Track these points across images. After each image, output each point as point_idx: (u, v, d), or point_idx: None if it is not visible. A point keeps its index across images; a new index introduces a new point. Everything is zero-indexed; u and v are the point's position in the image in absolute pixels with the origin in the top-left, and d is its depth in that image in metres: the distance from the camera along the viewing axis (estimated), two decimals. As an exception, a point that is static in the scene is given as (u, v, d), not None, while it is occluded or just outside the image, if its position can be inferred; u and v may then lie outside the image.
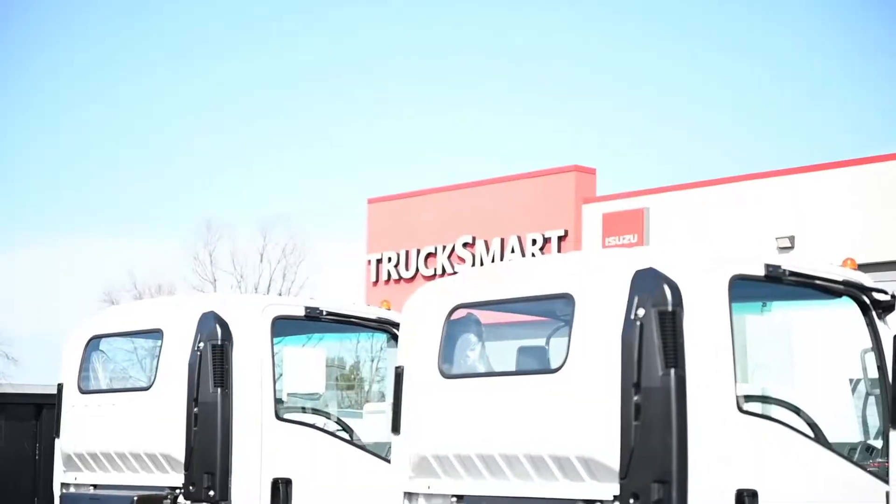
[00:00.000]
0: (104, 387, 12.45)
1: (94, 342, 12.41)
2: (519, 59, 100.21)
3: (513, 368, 9.75)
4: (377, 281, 38.00)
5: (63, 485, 12.26)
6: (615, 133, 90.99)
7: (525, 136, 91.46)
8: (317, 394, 12.08)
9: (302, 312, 11.45)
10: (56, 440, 12.52)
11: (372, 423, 12.61)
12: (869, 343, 9.00)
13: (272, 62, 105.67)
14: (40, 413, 16.40)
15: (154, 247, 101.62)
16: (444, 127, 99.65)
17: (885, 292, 8.62)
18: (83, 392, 12.16)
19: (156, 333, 11.56)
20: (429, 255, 36.66)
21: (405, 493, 9.71)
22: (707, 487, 8.17)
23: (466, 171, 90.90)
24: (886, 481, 7.95)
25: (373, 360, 14.28)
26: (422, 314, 9.86)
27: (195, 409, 10.45)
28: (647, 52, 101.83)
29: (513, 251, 34.54)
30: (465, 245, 35.40)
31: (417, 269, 37.42)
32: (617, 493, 8.34)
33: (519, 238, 34.16)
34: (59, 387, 12.42)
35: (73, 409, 12.28)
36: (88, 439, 12.05)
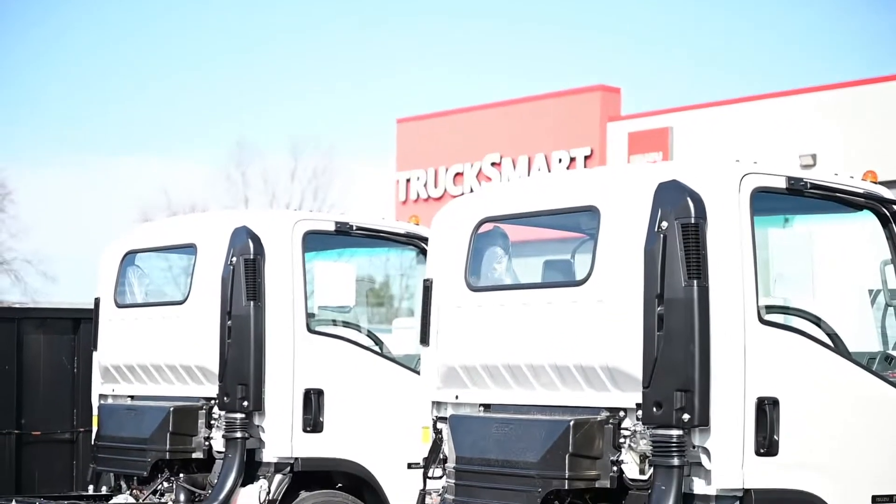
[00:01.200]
0: (140, 301, 12.50)
1: (129, 257, 12.48)
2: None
3: (539, 281, 9.80)
4: (406, 200, 38.05)
5: (101, 396, 12.33)
6: (640, 53, 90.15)
7: (551, 56, 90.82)
8: (347, 307, 12.02)
9: (332, 227, 11.41)
10: (94, 353, 12.64)
11: (401, 338, 12.65)
12: (888, 255, 9.04)
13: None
14: (78, 327, 16.51)
15: (188, 168, 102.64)
16: (472, 47, 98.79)
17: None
18: (119, 306, 12.25)
19: (189, 248, 11.58)
20: (457, 174, 36.68)
21: (434, 403, 9.79)
22: (728, 396, 8.24)
23: (494, 91, 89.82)
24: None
25: (402, 277, 14.22)
26: (450, 228, 9.84)
27: (228, 323, 10.44)
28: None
29: (539, 170, 34.40)
30: (492, 164, 35.40)
31: (445, 188, 37.41)
32: (640, 401, 8.42)
33: (545, 157, 34.10)
34: (96, 301, 12.54)
35: (111, 323, 12.37)
36: (125, 352, 12.15)
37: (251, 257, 10.29)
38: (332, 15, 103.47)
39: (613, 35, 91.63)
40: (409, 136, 40.93)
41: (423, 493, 9.83)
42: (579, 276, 9.12)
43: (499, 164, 34.21)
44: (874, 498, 8.65)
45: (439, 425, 9.82)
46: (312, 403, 10.54)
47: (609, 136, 34.35)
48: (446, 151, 37.53)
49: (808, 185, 8.85)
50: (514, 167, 35.15)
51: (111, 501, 11.22)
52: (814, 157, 18.89)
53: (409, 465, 10.46)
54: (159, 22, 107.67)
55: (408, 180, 38.89)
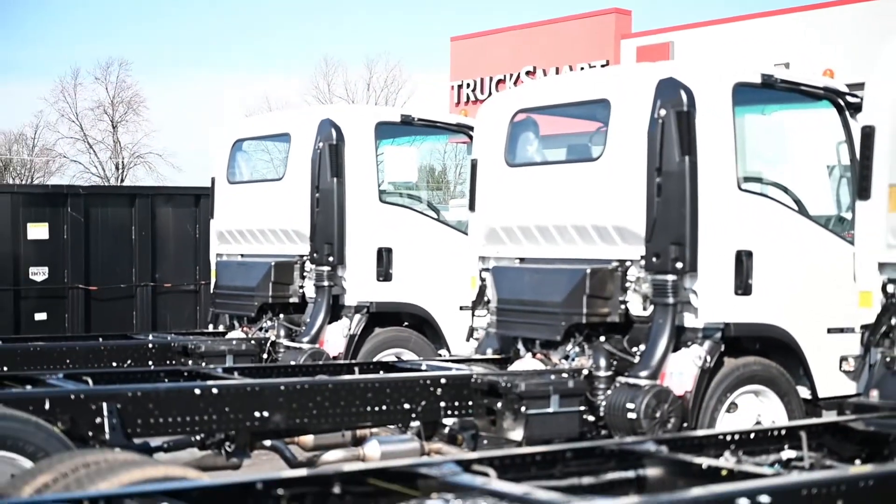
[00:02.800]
0: (246, 178, 12.44)
1: (237, 144, 12.40)
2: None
3: (563, 158, 9.89)
4: (458, 103, 37.93)
5: (217, 255, 12.41)
6: None
7: None
8: (411, 184, 12.14)
9: (398, 119, 11.38)
10: (211, 221, 12.68)
11: (455, 213, 12.59)
12: (843, 136, 9.10)
13: None
14: (199, 202, 16.71)
15: (283, 81, 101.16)
16: None
17: (856, 96, 8.51)
18: (230, 183, 12.26)
19: (285, 136, 11.53)
20: (499, 81, 36.44)
21: (479, 257, 9.90)
22: (712, 249, 8.40)
23: (530, 13, 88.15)
24: (853, 244, 7.75)
25: (457, 167, 14.31)
26: (491, 117, 9.86)
27: (316, 195, 10.55)
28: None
29: (564, 76, 34.82)
30: (527, 73, 35.18)
31: (490, 93, 37.48)
32: (643, 253, 8.55)
33: (570, 67, 33.97)
34: (212, 180, 12.56)
35: (223, 196, 12.39)
36: (234, 219, 12.18)
37: (333, 143, 10.26)
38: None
39: None
40: (460, 51, 40.74)
41: (471, 329, 10.00)
42: (595, 155, 9.09)
43: (532, 73, 33.83)
44: (829, 329, 8.70)
45: (483, 275, 9.82)
46: (384, 259, 10.56)
47: (622, 50, 34.21)
48: (490, 64, 37.39)
49: (778, 80, 8.92)
50: (545, 75, 35.10)
51: (227, 336, 11.30)
52: (787, 64, 18.73)
53: (460, 308, 10.40)
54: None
55: (459, 86, 38.70)
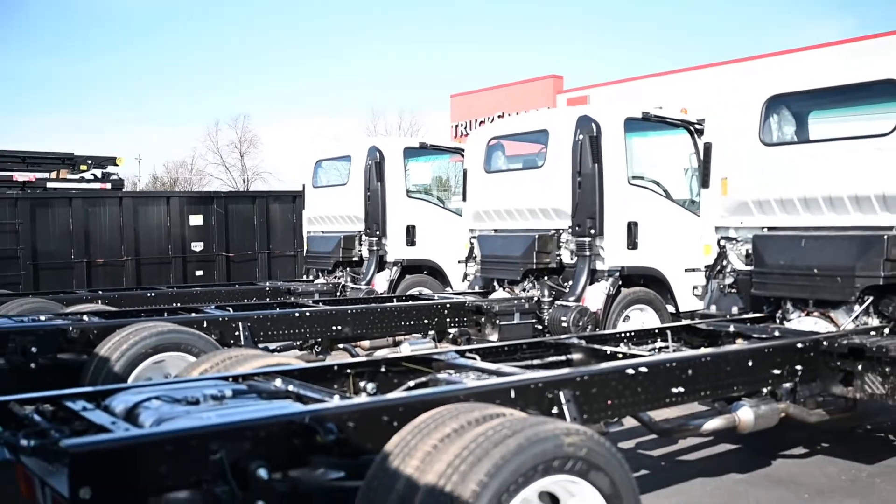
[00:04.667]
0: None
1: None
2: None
3: (520, 167, 9.68)
4: (456, 137, 37.91)
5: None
6: (577, 48, 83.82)
7: (522, 55, 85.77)
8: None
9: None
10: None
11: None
12: (693, 150, 9.02)
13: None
14: (295, 199, 16.53)
15: (342, 121, 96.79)
16: (467, 46, 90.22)
17: (701, 123, 8.35)
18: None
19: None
20: (481, 122, 36.16)
21: (469, 229, 9.69)
22: (613, 221, 8.36)
23: (502, 77, 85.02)
24: (699, 216, 7.65)
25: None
26: (475, 143, 9.74)
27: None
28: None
29: (523, 118, 34.92)
30: (499, 116, 35.10)
31: (475, 129, 37.67)
32: (570, 224, 8.52)
33: (525, 111, 33.95)
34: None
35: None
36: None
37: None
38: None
39: (564, 39, 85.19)
40: (457, 103, 40.62)
41: (465, 274, 9.86)
42: (540, 164, 9.00)
43: (502, 116, 33.76)
44: (685, 269, 8.59)
45: (472, 240, 9.61)
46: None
47: (558, 101, 34.11)
48: (475, 111, 37.19)
49: (652, 116, 8.86)
50: (509, 116, 35.15)
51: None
52: (660, 107, 18.70)
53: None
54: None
55: (456, 126, 38.52)
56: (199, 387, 3.44)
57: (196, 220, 16.48)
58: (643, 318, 8.60)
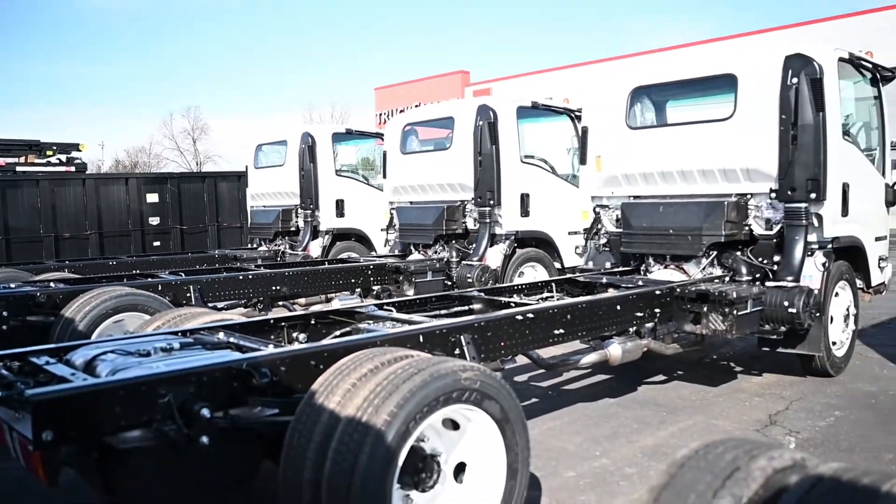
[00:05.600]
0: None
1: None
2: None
3: (431, 149, 9.72)
4: (379, 124, 37.50)
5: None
6: (483, 45, 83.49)
7: (437, 52, 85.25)
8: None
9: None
10: (247, 189, 11.33)
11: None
12: (574, 133, 9.12)
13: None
14: (240, 178, 15.96)
15: (284, 115, 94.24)
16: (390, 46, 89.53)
17: (580, 111, 8.13)
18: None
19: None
20: (401, 111, 36.23)
21: (389, 202, 9.56)
22: (509, 193, 8.40)
23: (418, 72, 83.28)
24: (578, 187, 7.32)
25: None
26: (393, 129, 9.65)
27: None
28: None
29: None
30: (415, 106, 35.08)
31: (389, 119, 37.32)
32: (472, 196, 8.47)
33: (437, 102, 33.92)
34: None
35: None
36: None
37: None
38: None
39: (472, 36, 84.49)
40: (381, 95, 40.29)
41: (386, 240, 9.70)
42: (447, 146, 8.93)
43: (418, 106, 33.74)
44: (569, 232, 8.67)
45: (392, 211, 9.49)
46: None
47: (466, 93, 34.03)
48: (396, 101, 36.91)
49: (541, 105, 8.93)
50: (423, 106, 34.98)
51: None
52: (550, 98, 18.91)
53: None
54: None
55: (380, 114, 38.13)
56: (150, 341, 3.36)
57: (152, 197, 15.95)
58: (535, 273, 8.72)
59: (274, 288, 7.08)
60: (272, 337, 3.94)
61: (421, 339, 3.55)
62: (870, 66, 6.21)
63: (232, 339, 3.54)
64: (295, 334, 4.05)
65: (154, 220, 15.91)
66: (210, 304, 6.48)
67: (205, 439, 2.61)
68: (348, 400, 2.67)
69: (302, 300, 7.65)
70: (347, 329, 4.11)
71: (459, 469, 2.99)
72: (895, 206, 6.61)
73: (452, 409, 2.81)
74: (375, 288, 8.04)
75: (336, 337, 4.00)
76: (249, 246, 12.08)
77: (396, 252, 9.40)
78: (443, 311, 4.87)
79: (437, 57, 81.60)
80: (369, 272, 7.91)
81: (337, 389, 2.73)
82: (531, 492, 3.80)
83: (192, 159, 59.75)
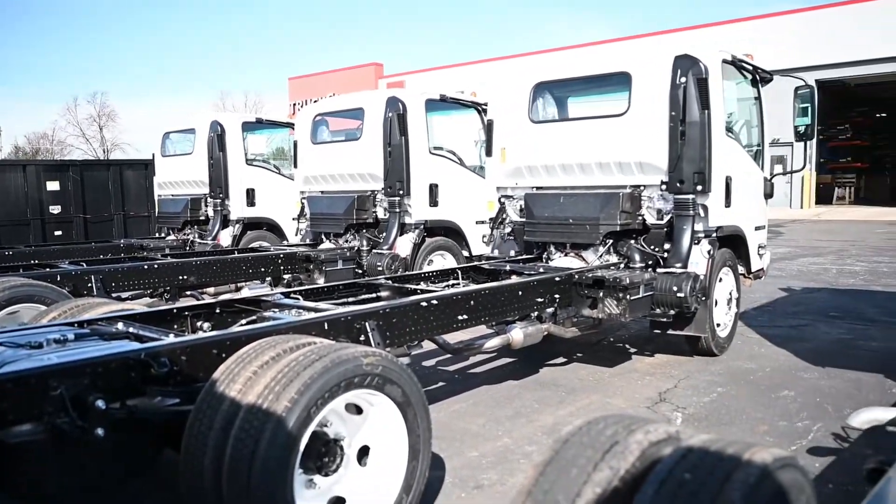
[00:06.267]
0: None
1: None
2: None
3: (342, 139, 9.57)
4: (292, 114, 36.82)
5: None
6: (397, 38, 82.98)
7: (352, 44, 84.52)
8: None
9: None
10: (154, 178, 11.01)
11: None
12: (480, 126, 9.10)
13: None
14: (147, 167, 15.33)
15: (195, 102, 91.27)
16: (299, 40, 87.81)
17: (485, 104, 8.17)
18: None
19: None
20: (315, 101, 35.75)
21: (300, 192, 9.39)
22: (418, 183, 8.38)
23: (331, 63, 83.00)
24: (485, 178, 7.53)
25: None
26: (303, 118, 9.49)
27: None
28: None
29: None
30: (330, 96, 34.72)
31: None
32: (382, 186, 8.40)
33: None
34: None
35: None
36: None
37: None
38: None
39: (386, 32, 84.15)
40: (295, 85, 39.63)
41: (297, 229, 9.57)
42: (358, 137, 8.84)
43: (333, 96, 33.40)
44: (476, 221, 8.69)
45: (303, 201, 9.33)
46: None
47: (379, 84, 33.86)
48: (310, 92, 36.41)
49: (449, 98, 8.95)
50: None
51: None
52: (462, 91, 18.96)
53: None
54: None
55: (294, 104, 37.48)
56: (43, 332, 3.19)
57: (53, 185, 15.05)
58: (444, 261, 8.75)
59: (181, 277, 6.85)
60: (175, 326, 3.81)
61: (326, 327, 3.52)
62: (750, 68, 6.50)
63: (132, 329, 3.41)
64: (199, 323, 3.94)
65: (55, 209, 15.07)
66: (114, 295, 6.22)
67: (100, 431, 2.51)
68: (249, 387, 2.62)
69: (211, 290, 7.44)
70: (253, 318, 4.02)
71: (363, 452, 2.99)
72: (772, 198, 6.97)
73: (355, 393, 2.80)
74: (286, 277, 7.90)
75: (241, 325, 3.91)
76: (157, 235, 11.63)
77: (308, 241, 9.26)
78: (350, 299, 4.83)
79: (352, 49, 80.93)
80: (279, 261, 7.77)
81: (238, 377, 2.68)
82: (436, 472, 3.84)
83: (99, 147, 57.01)
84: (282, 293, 4.46)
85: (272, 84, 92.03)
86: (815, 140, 26.91)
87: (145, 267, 6.63)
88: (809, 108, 6.47)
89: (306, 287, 4.84)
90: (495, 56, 31.49)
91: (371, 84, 34.43)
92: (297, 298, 4.40)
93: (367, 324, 3.70)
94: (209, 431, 2.57)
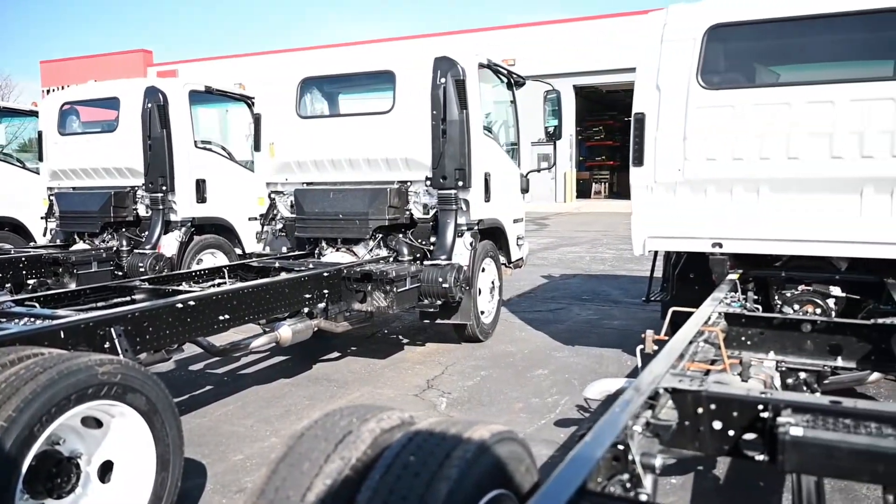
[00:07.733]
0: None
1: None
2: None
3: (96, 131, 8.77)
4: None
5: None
6: (170, 25, 77.80)
7: (116, 26, 77.67)
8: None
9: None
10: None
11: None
12: (250, 119, 8.74)
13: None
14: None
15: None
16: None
17: (254, 98, 7.64)
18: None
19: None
20: (67, 87, 32.66)
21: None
22: (183, 177, 7.89)
23: (100, 48, 75.22)
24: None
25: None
26: (49, 106, 8.63)
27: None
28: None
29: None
30: (94, 81, 31.88)
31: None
32: (143, 182, 7.92)
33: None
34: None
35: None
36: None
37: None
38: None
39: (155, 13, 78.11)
40: (47, 70, 35.93)
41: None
42: (114, 127, 8.23)
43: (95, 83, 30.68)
44: (249, 218, 8.41)
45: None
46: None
47: (149, 73, 31.70)
48: (67, 79, 33.14)
49: (215, 90, 8.50)
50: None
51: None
52: (241, 84, 18.24)
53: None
54: None
55: (47, 90, 33.99)
56: None
57: None
58: (214, 260, 8.36)
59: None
60: None
61: (62, 335, 3.21)
62: (505, 71, 6.95)
63: None
64: None
65: None
66: None
67: None
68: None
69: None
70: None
71: (107, 468, 2.78)
72: (537, 193, 7.54)
73: (90, 405, 2.59)
74: (31, 282, 7.11)
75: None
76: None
77: (59, 242, 8.40)
78: (100, 304, 4.46)
79: (122, 36, 74.55)
80: (21, 265, 6.97)
81: (-57, 398, 2.36)
82: (196, 480, 3.68)
83: None
84: (12, 301, 4.00)
85: (23, 67, 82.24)
86: (575, 140, 29.56)
87: None
88: (557, 111, 7.04)
89: (46, 293, 4.39)
90: (272, 49, 30.81)
91: (139, 72, 32.01)
92: (33, 306, 3.99)
93: (112, 330, 3.43)
94: None
